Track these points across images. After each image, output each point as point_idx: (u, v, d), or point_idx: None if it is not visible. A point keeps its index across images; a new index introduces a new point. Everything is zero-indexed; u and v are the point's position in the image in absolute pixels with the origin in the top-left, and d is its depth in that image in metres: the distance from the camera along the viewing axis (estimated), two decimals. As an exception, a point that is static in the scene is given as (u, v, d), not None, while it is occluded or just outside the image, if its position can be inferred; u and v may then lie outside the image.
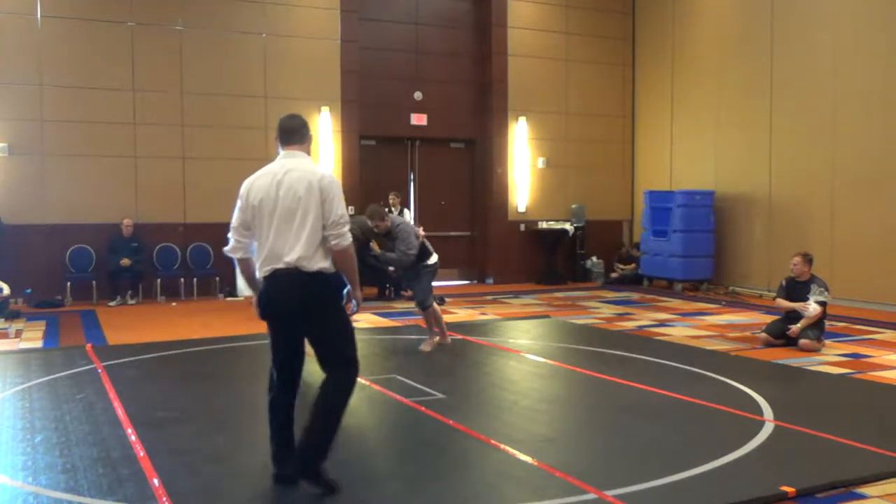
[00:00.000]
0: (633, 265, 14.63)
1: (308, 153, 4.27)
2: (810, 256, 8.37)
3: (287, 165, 4.14)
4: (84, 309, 11.25)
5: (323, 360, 4.16)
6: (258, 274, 4.15)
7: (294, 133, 4.23)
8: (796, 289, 8.31)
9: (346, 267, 4.19)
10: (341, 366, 4.16)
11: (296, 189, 4.04)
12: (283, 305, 4.08)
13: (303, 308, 4.06)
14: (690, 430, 5.33)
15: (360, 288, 4.37)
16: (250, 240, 4.20)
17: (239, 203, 4.19)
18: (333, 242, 4.07)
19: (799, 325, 8.09)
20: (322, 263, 4.06)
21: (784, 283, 8.47)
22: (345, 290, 4.38)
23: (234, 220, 4.20)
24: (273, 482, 4.19)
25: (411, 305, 11.77)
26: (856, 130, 11.55)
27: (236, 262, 4.33)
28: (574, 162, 15.28)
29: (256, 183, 4.15)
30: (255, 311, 4.22)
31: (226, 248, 4.27)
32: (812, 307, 8.08)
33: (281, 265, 4.03)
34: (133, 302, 11.81)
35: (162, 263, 12.44)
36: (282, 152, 4.23)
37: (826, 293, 8.20)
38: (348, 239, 4.12)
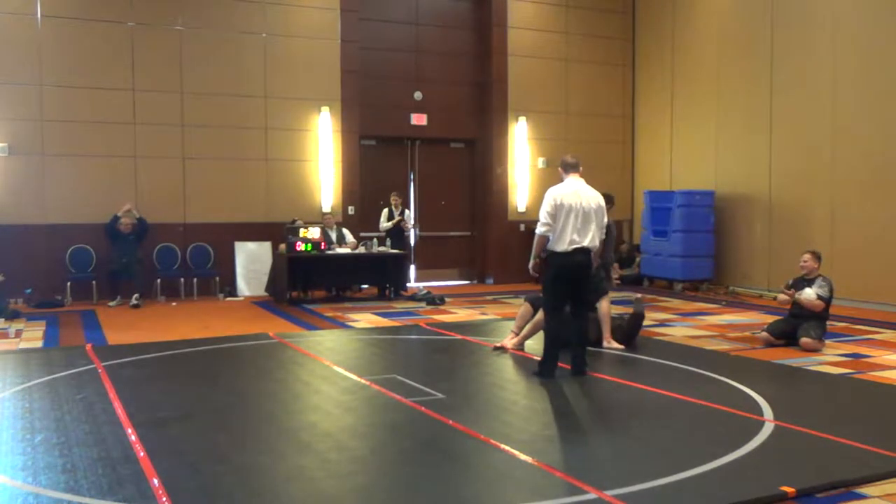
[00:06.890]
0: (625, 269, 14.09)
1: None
2: (819, 253, 8.46)
3: (582, 186, 6.88)
4: (84, 309, 11.25)
5: (579, 301, 6.94)
6: (559, 248, 6.70)
7: (576, 166, 7.00)
8: (802, 286, 8.32)
9: (601, 249, 7.15)
10: (587, 305, 7.32)
11: (592, 202, 6.81)
12: (577, 266, 6.76)
13: (584, 269, 6.80)
14: (690, 430, 5.33)
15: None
16: (553, 226, 6.72)
17: (552, 202, 6.69)
18: (600, 237, 6.95)
19: (801, 295, 8.18)
20: (596, 248, 6.92)
21: (791, 281, 8.49)
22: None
23: (547, 213, 6.69)
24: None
25: (411, 305, 11.83)
26: (856, 131, 11.55)
27: (537, 236, 6.81)
28: (574, 162, 15.26)
29: (564, 193, 6.75)
30: (532, 270, 7.05)
31: (540, 230, 6.74)
32: (808, 291, 8.15)
33: (580, 245, 6.70)
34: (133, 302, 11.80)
35: (162, 263, 12.44)
36: (570, 177, 6.92)
37: (828, 289, 8.21)
38: (604, 234, 7.07)
